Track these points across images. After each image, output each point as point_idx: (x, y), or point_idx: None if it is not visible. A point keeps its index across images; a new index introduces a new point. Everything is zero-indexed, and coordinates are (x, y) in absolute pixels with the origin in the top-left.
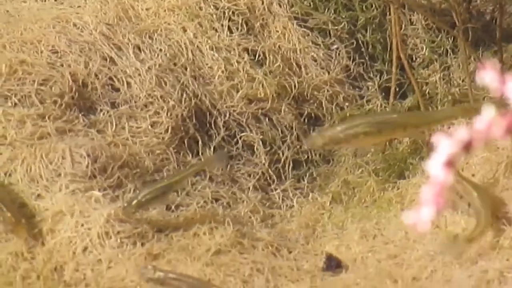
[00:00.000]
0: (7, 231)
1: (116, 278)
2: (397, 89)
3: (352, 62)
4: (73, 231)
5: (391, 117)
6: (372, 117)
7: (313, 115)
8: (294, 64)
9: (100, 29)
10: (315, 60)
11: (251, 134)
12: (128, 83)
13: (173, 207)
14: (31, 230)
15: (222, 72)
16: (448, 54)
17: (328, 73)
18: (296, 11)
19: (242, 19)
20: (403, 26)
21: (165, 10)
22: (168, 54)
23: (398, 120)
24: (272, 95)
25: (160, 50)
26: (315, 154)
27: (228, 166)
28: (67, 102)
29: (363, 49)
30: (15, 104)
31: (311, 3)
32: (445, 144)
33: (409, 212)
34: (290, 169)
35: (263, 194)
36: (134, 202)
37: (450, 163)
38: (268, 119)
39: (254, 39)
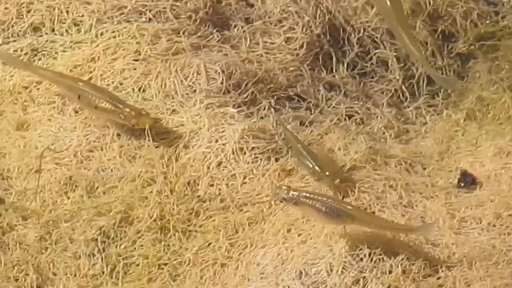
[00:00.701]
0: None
1: (250, 193)
2: None
3: None
4: (207, 146)
5: None
6: None
7: (447, 32)
8: None
9: None
10: None
11: (385, 50)
12: None
13: (306, 122)
14: (153, 118)
15: None
16: None
17: None
18: None
19: None
20: None
21: None
22: None
23: None
24: (407, 12)
25: None
26: (449, 71)
27: (362, 83)
28: (202, 18)
29: None
30: (150, 19)
31: None
32: None
33: None
34: (424, 85)
35: (397, 110)
36: None
37: None
38: None
39: None
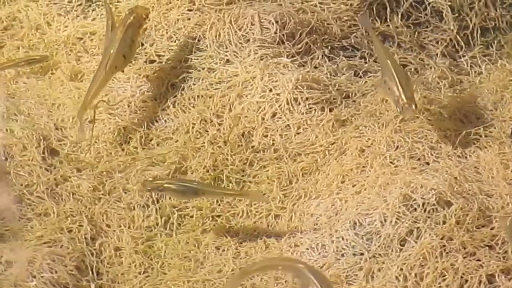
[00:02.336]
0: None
1: (304, 143)
2: None
3: None
4: (261, 96)
5: None
6: None
7: None
8: None
9: None
10: None
11: (440, 0)
12: None
13: (361, 73)
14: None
15: None
16: None
17: None
18: None
19: None
20: None
21: None
22: None
23: None
24: None
25: None
26: (503, 22)
27: (416, 33)
28: None
29: None
30: None
31: None
32: None
33: None
34: (478, 35)
35: (451, 61)
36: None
37: None
38: None
39: None
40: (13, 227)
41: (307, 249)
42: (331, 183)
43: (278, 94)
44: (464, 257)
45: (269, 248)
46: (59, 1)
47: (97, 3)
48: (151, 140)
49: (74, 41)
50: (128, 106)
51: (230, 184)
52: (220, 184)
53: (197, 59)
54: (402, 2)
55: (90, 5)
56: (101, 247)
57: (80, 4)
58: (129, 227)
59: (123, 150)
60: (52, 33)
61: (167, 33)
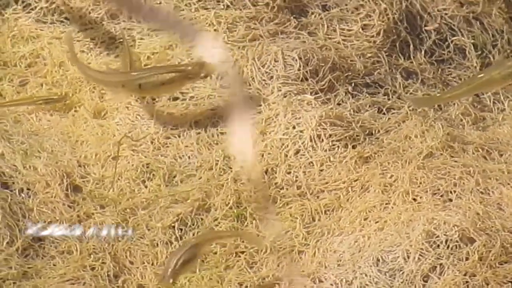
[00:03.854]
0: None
1: (327, 180)
2: None
3: None
4: (285, 133)
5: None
6: None
7: None
8: None
9: None
10: None
11: (463, 37)
12: None
13: (384, 109)
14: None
15: None
16: None
17: None
18: None
19: None
20: None
21: None
22: None
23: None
24: None
25: None
26: None
27: (440, 70)
28: (279, 5)
29: None
30: (227, 6)
31: None
32: None
33: None
34: None
35: (474, 97)
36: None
37: None
38: (479, 23)
39: None
40: (36, 264)
41: (331, 285)
42: (354, 220)
43: (301, 131)
44: None
45: (292, 284)
46: (82, 38)
47: (121, 40)
48: (174, 177)
49: None
50: (152, 142)
51: (254, 221)
52: (244, 221)
53: (220, 96)
54: (425, 39)
55: (113, 42)
56: (124, 284)
57: (103, 42)
58: (152, 264)
59: (146, 187)
60: (75, 70)
61: None
